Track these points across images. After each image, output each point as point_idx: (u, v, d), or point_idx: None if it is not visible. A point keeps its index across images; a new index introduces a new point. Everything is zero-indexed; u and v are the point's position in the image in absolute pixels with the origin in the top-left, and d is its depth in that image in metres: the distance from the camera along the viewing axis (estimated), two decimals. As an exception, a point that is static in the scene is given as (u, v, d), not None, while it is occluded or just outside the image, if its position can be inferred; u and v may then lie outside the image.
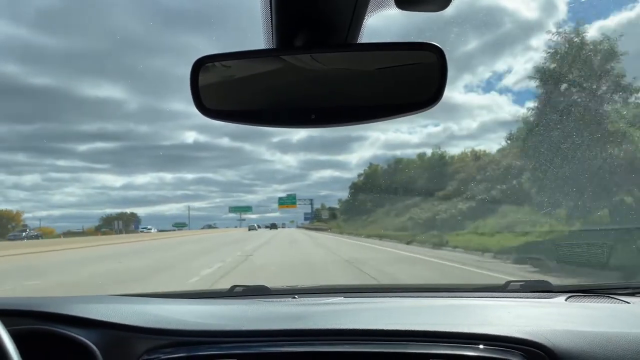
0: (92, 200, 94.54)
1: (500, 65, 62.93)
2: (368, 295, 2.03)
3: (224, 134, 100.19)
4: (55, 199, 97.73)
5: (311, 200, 76.86)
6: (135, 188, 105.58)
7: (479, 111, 69.61)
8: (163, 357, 1.36)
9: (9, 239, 38.98)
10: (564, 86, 14.69)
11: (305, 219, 75.86)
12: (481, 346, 1.28)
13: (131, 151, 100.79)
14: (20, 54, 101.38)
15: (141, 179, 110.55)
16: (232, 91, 0.99)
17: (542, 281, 2.01)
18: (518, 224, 18.23)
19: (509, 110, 57.92)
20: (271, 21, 0.91)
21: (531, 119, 15.51)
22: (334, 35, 0.93)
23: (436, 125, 73.74)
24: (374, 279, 9.28)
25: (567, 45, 14.86)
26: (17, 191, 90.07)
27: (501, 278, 6.89)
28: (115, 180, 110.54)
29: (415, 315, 1.59)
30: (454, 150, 62.28)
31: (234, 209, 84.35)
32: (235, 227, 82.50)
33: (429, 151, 44.60)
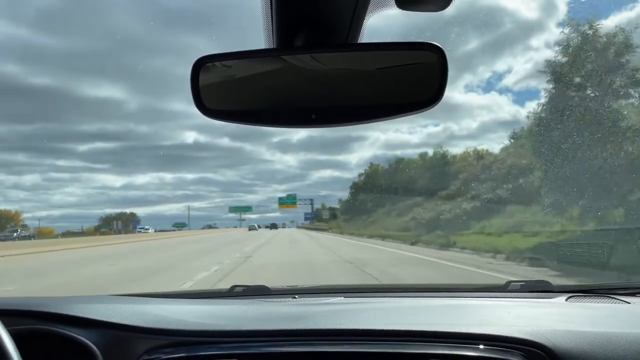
0: (92, 200, 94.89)
1: (500, 65, 63.16)
2: (368, 295, 2.03)
3: (224, 134, 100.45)
4: (55, 199, 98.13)
5: (311, 200, 77.01)
6: (135, 188, 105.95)
7: (479, 111, 69.77)
8: (163, 357, 1.36)
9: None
10: (577, 80, 14.26)
11: (306, 219, 75.92)
12: (481, 346, 1.28)
13: (131, 151, 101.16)
14: (20, 54, 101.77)
15: (141, 179, 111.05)
16: (232, 91, 0.99)
17: (542, 281, 2.01)
18: (525, 223, 17.77)
19: (509, 110, 57.99)
20: (271, 21, 0.91)
21: (542, 114, 15.04)
22: (334, 35, 0.93)
23: (436, 125, 73.91)
24: (375, 279, 9.24)
25: (579, 39, 14.40)
26: (17, 191, 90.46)
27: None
28: (115, 180, 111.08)
29: (415, 315, 1.58)
30: (455, 150, 62.41)
31: (234, 209, 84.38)
32: (235, 227, 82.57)
33: (430, 151, 44.54)
